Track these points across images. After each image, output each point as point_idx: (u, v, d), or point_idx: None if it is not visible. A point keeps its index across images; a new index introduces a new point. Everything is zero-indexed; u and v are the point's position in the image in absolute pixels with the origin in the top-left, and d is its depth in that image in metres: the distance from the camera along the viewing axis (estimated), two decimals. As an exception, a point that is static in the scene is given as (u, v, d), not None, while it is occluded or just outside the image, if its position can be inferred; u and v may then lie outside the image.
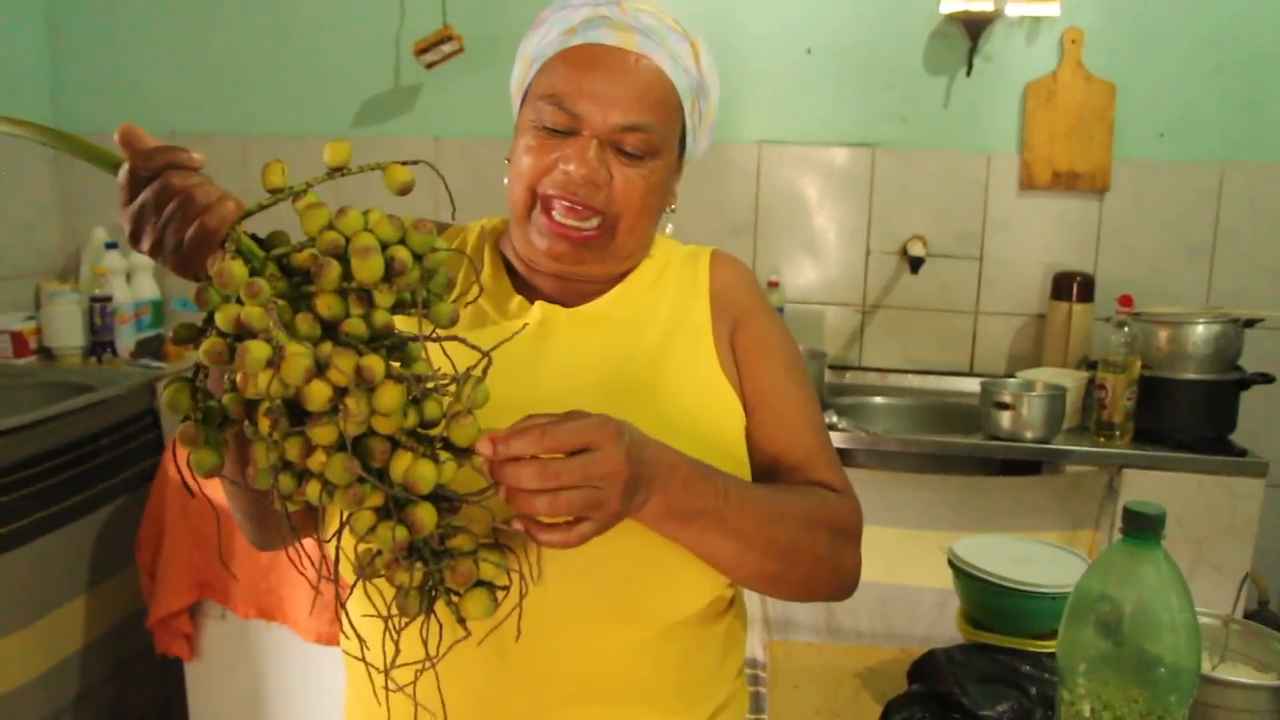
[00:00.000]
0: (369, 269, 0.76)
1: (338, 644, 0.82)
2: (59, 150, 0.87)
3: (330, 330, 0.77)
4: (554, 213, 1.03)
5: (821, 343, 2.93)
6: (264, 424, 0.76)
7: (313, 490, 0.77)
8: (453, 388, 0.79)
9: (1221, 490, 2.28)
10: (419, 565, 0.80)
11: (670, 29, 1.07)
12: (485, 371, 0.80)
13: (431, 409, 0.78)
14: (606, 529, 0.84)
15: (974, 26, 2.78)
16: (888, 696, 1.32)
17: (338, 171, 0.83)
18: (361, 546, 0.81)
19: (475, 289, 1.11)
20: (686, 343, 1.09)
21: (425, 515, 0.77)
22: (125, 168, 0.81)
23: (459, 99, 2.99)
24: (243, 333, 0.74)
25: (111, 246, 3.03)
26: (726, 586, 1.10)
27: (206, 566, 2.35)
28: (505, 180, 1.10)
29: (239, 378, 0.76)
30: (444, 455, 0.78)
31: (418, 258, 0.79)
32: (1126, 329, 2.39)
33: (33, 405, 2.49)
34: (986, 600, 1.37)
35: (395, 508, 0.78)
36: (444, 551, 0.81)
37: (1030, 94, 2.81)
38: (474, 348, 0.81)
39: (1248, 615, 2.16)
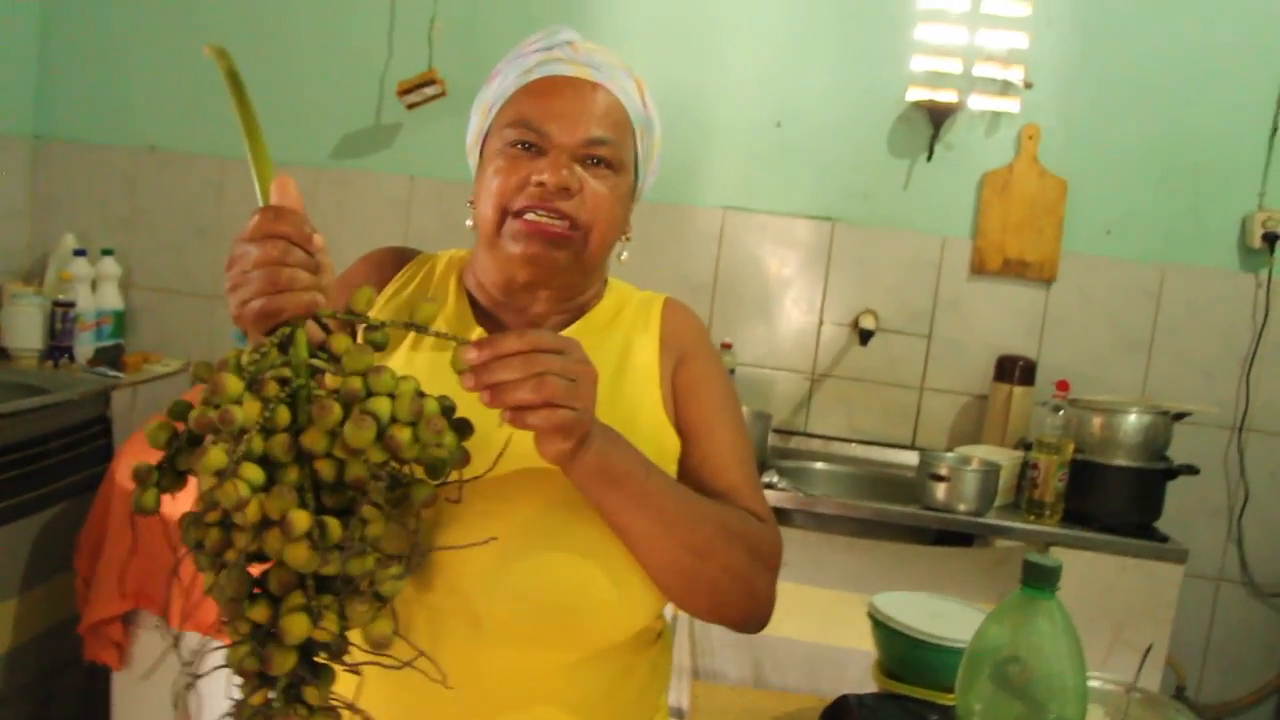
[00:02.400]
0: (358, 436, 0.80)
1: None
2: (248, 141, 0.91)
3: (304, 458, 0.81)
4: (527, 215, 1.09)
5: (770, 407, 3.00)
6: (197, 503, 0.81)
7: (209, 578, 0.83)
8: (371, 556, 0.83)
9: (1143, 574, 2.37)
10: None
11: (618, 67, 1.16)
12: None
13: (354, 566, 0.82)
14: (583, 428, 0.90)
15: (937, 115, 2.90)
16: (801, 738, 1.36)
17: (364, 321, 0.89)
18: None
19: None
20: (635, 379, 1.16)
21: (282, 660, 0.81)
22: (254, 214, 0.85)
23: (436, 141, 3.07)
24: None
25: (80, 254, 3.05)
26: (655, 618, 1.14)
27: (144, 576, 2.35)
28: (469, 222, 1.17)
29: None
30: (329, 616, 0.81)
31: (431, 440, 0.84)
32: (1062, 413, 2.49)
33: (-14, 403, 2.50)
34: (901, 652, 1.42)
35: (260, 642, 0.82)
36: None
37: (986, 183, 2.92)
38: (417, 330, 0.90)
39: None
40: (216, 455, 0.77)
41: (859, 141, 2.98)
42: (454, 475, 0.90)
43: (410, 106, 2.98)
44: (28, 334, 2.96)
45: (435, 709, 1.03)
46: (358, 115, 3.11)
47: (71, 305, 2.96)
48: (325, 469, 0.81)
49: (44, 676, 2.58)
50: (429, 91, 2.94)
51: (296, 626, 0.80)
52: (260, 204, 0.87)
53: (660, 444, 1.12)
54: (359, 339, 0.87)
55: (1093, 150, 2.90)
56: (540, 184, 1.08)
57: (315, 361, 0.84)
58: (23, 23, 3.18)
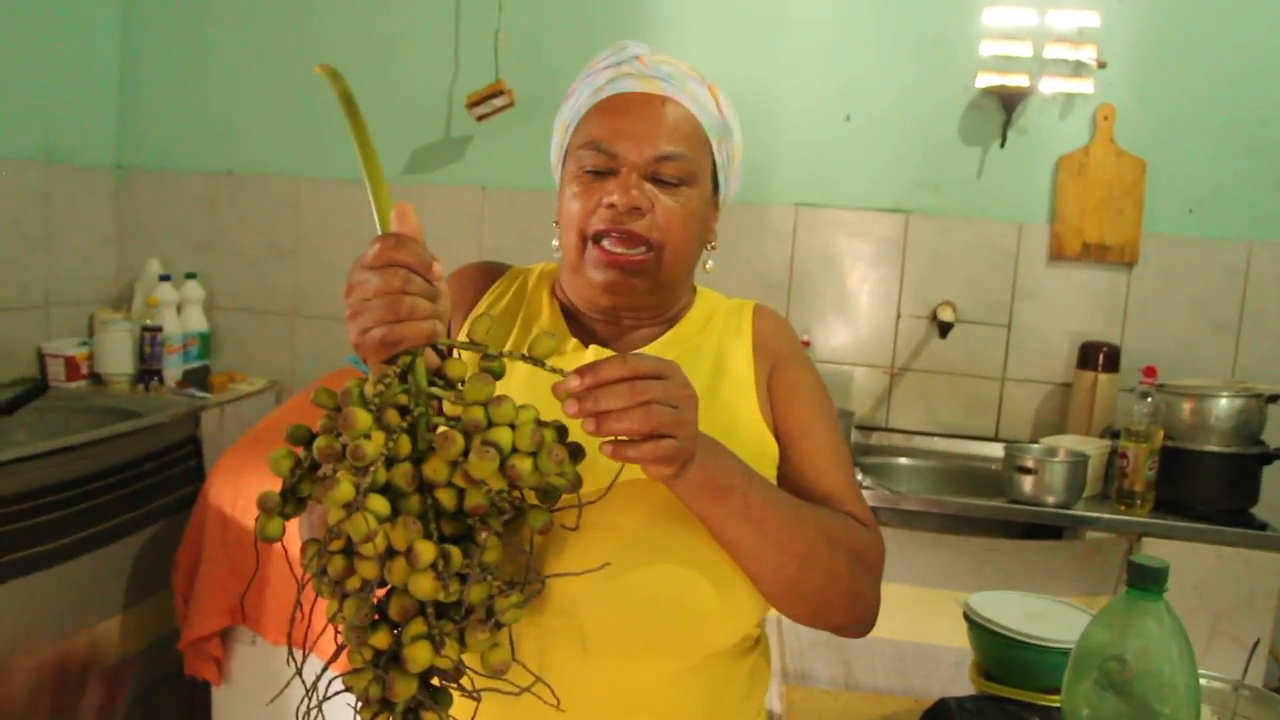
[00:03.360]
0: (481, 467, 0.81)
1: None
2: (364, 165, 0.90)
3: (425, 486, 0.83)
4: (604, 243, 1.11)
5: (850, 403, 2.98)
6: (321, 530, 0.83)
7: (332, 606, 0.85)
8: (497, 584, 0.85)
9: (1241, 562, 2.31)
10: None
11: (689, 76, 1.16)
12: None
13: (474, 594, 0.83)
14: (687, 454, 0.90)
15: (1009, 100, 2.85)
16: (900, 742, 1.35)
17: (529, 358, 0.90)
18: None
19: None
20: (731, 386, 1.16)
21: (405, 687, 0.83)
22: (374, 242, 0.86)
23: (507, 151, 3.09)
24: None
25: (165, 279, 3.14)
26: (755, 626, 1.15)
27: (240, 592, 2.41)
28: (555, 241, 1.19)
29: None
30: (450, 644, 0.83)
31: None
32: (1150, 399, 2.43)
33: (81, 428, 2.58)
34: (999, 653, 1.41)
35: (383, 668, 0.84)
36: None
37: (1062, 167, 2.87)
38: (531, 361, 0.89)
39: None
40: (345, 488, 0.79)
41: (930, 131, 2.94)
42: (565, 498, 0.90)
43: (480, 118, 3.01)
44: (119, 359, 3.05)
45: (540, 717, 1.04)
46: (428, 129, 3.15)
47: (159, 329, 3.04)
48: (446, 498, 0.83)
49: (149, 691, 2.66)
50: (497, 103, 2.97)
51: (420, 654, 0.81)
52: (379, 230, 0.87)
53: (760, 449, 1.12)
54: (477, 368, 0.88)
55: (1171, 128, 2.83)
56: (611, 205, 1.09)
57: (434, 390, 0.85)
58: (102, 59, 3.27)
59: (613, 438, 0.86)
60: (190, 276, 3.21)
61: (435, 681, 0.87)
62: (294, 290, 3.28)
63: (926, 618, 2.32)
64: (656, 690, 1.06)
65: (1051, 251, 2.90)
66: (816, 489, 1.13)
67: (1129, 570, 1.00)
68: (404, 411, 0.84)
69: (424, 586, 0.80)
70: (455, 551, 0.82)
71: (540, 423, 0.85)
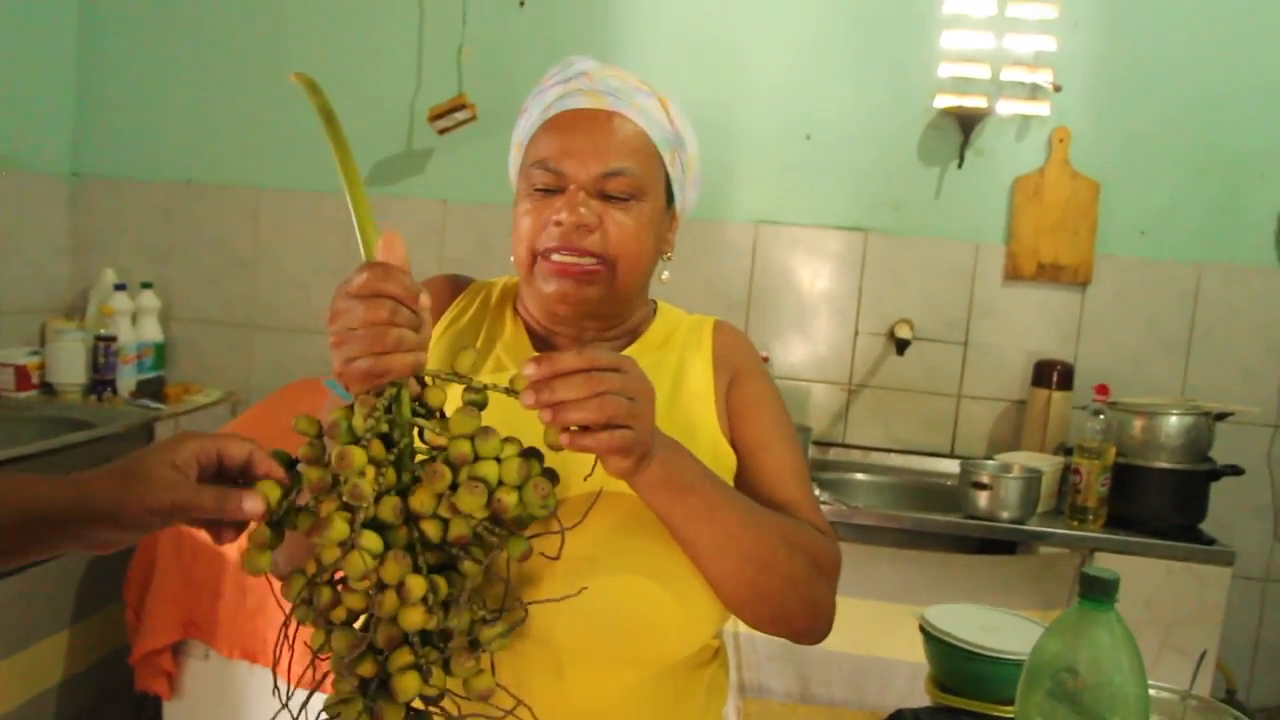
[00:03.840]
0: (469, 501, 0.82)
1: (322, 689, 0.87)
2: (347, 187, 0.91)
3: (411, 518, 0.83)
4: (554, 256, 1.12)
5: (807, 419, 3.00)
6: (311, 566, 0.83)
7: (317, 636, 0.84)
8: (481, 613, 0.86)
9: (1190, 577, 2.34)
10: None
11: (637, 89, 1.17)
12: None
13: (459, 622, 0.84)
14: (644, 446, 0.90)
15: (967, 121, 2.90)
16: (856, 754, 1.36)
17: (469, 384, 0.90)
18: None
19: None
20: (690, 399, 1.17)
21: (393, 715, 0.83)
22: (361, 270, 0.85)
23: (468, 165, 3.09)
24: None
25: (120, 288, 3.10)
26: (714, 636, 1.15)
27: (193, 605, 2.38)
28: (511, 258, 1.19)
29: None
30: (436, 672, 0.84)
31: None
32: (1102, 417, 2.47)
33: (32, 439, 2.54)
34: (955, 665, 1.42)
35: (370, 697, 0.84)
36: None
37: (1018, 188, 2.92)
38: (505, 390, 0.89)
39: (1212, 702, 2.20)
40: (340, 527, 0.79)
41: (889, 151, 2.98)
42: (538, 523, 0.91)
43: (441, 132, 3.01)
44: (71, 369, 3.00)
45: None
46: (389, 142, 3.14)
47: (113, 339, 3.00)
48: (431, 530, 0.83)
49: (97, 706, 2.62)
50: (459, 116, 2.96)
51: (409, 684, 0.82)
52: (364, 255, 0.87)
53: (718, 461, 1.13)
54: (460, 400, 0.88)
55: (1125, 151, 2.89)
56: (559, 223, 1.10)
57: (419, 420, 0.85)
58: (58, 66, 3.23)
59: (570, 428, 0.86)
60: (146, 286, 3.17)
61: (419, 705, 0.87)
62: (252, 301, 3.26)
63: (882, 632, 2.33)
64: (620, 701, 1.06)
65: (1007, 271, 2.94)
66: (774, 499, 1.14)
67: (1081, 582, 1.02)
68: (388, 442, 0.84)
69: (413, 619, 0.80)
70: (442, 583, 0.82)
71: (525, 453, 0.85)
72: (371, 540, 0.80)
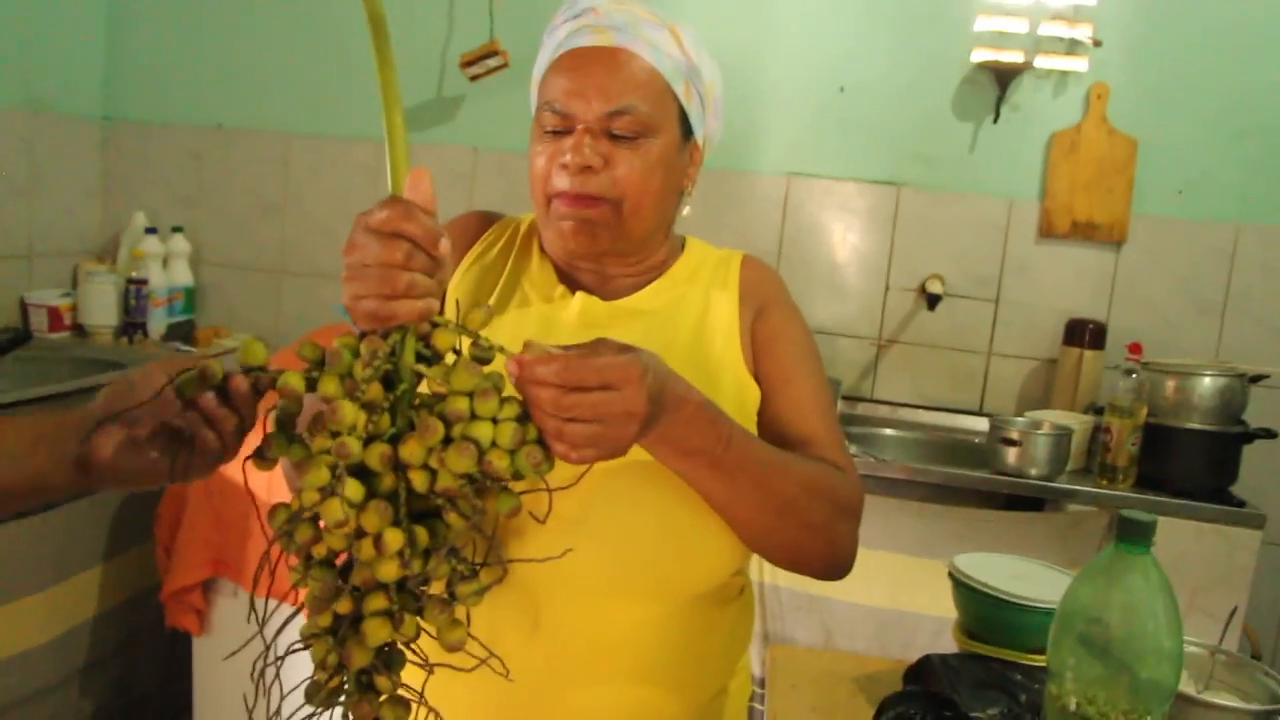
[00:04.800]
0: (459, 461, 0.80)
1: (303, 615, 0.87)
2: (385, 108, 0.88)
3: (399, 467, 0.81)
4: (563, 199, 1.11)
5: (836, 373, 2.99)
6: (294, 501, 0.83)
7: (297, 570, 0.85)
8: (463, 567, 0.85)
9: (1219, 539, 2.33)
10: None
11: (645, 21, 1.14)
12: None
13: (437, 574, 0.83)
14: (611, 458, 0.86)
15: (1003, 76, 2.85)
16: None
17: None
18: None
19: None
20: (715, 335, 1.17)
21: (360, 656, 0.83)
22: (384, 206, 0.82)
23: (500, 112, 3.07)
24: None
25: (151, 231, 3.11)
26: (736, 573, 1.16)
27: (222, 544, 2.40)
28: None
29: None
30: (408, 620, 0.83)
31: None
32: (1135, 376, 2.45)
33: (64, 379, 2.56)
34: (983, 612, 1.42)
35: (340, 637, 0.84)
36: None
37: (1054, 144, 2.88)
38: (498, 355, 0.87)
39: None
40: (320, 473, 0.78)
41: (923, 105, 2.94)
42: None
43: (473, 78, 2.99)
44: (103, 311, 3.02)
45: (530, 667, 1.05)
46: (421, 88, 3.13)
47: (144, 282, 3.02)
48: (418, 480, 0.81)
49: (129, 641, 2.66)
50: (491, 63, 2.95)
51: (378, 631, 0.82)
52: (390, 187, 0.84)
53: (742, 398, 1.13)
54: (465, 353, 0.86)
55: (1164, 108, 2.84)
56: (566, 166, 1.10)
57: (420, 367, 0.83)
58: (90, 8, 3.23)
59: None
60: (177, 230, 3.19)
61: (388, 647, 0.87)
62: (281, 246, 3.26)
63: (907, 585, 2.33)
64: (636, 633, 1.07)
65: (1041, 228, 2.91)
66: (793, 432, 1.13)
67: (1118, 525, 1.01)
68: (388, 384, 0.82)
69: (389, 571, 0.80)
70: (422, 533, 0.81)
71: (522, 418, 0.83)
72: (353, 489, 0.79)
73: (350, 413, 0.79)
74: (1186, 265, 2.86)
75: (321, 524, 0.81)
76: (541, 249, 1.23)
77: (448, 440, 0.81)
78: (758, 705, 2.34)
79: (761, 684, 2.31)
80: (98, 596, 2.55)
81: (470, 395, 0.82)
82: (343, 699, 0.85)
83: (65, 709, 2.48)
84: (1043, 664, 1.35)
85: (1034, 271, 2.93)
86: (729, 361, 1.16)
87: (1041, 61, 2.84)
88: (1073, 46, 2.83)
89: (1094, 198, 2.87)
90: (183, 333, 3.05)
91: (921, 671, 1.37)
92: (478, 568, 0.85)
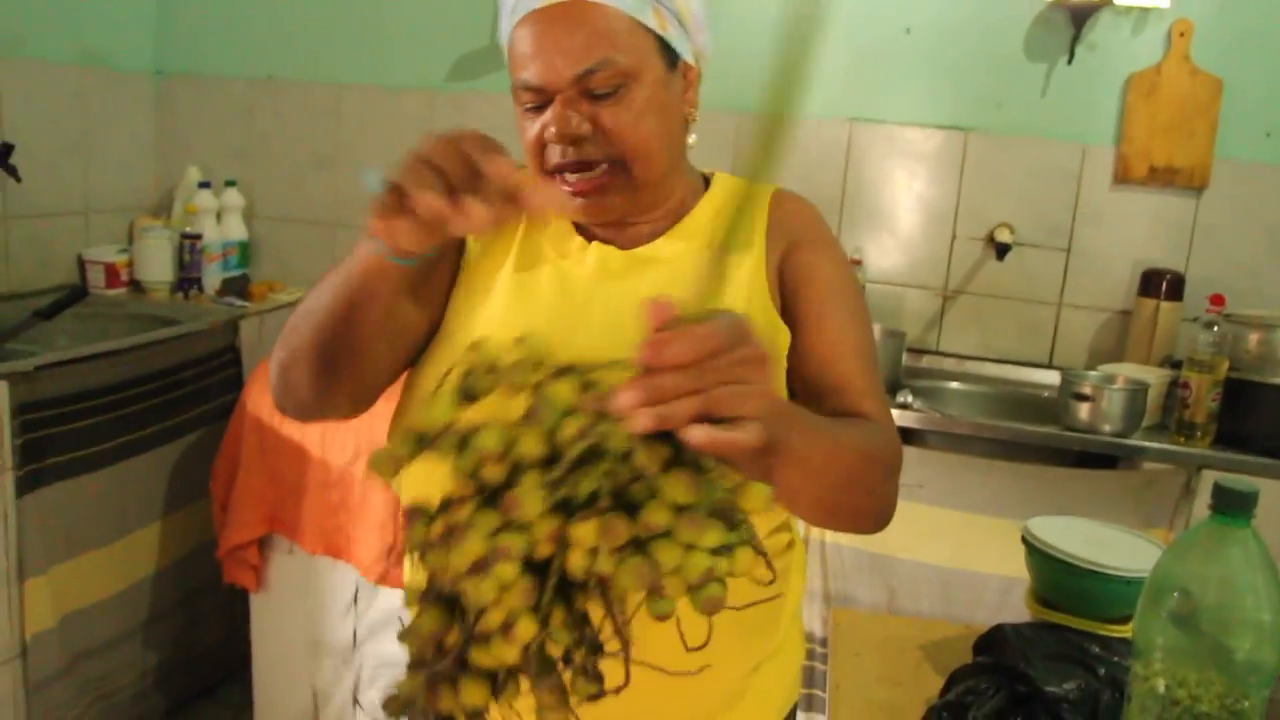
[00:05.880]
0: (631, 575, 0.69)
1: (401, 586, 0.81)
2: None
3: (563, 544, 0.71)
4: (564, 175, 1.05)
5: (901, 324, 2.90)
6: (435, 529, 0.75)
7: (411, 592, 0.77)
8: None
9: (1306, 499, 2.22)
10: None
11: None
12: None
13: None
14: (763, 441, 0.74)
15: (1079, 14, 2.72)
16: (951, 668, 1.30)
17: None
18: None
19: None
20: (739, 276, 1.09)
21: (446, 701, 0.74)
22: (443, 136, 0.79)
23: (552, 59, 2.99)
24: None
25: (204, 186, 3.10)
26: (779, 529, 1.11)
27: (277, 501, 2.40)
28: None
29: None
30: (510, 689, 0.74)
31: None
32: (1216, 329, 2.34)
33: (121, 334, 2.57)
34: (1059, 580, 1.35)
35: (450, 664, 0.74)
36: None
37: (1132, 86, 2.74)
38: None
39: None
40: (475, 546, 0.70)
41: (993, 46, 2.81)
42: None
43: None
44: (158, 267, 3.02)
45: None
46: (472, 36, 3.06)
47: (198, 237, 3.01)
48: (576, 558, 0.70)
49: (188, 597, 2.68)
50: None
51: (473, 692, 0.73)
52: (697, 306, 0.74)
53: (771, 341, 1.06)
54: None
55: (1251, 46, 2.68)
56: (553, 141, 1.04)
57: (640, 457, 0.71)
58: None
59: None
60: (230, 184, 3.17)
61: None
62: (334, 199, 3.23)
63: (974, 544, 2.26)
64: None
65: (1117, 174, 2.78)
66: (823, 378, 1.06)
67: (1214, 495, 0.94)
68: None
69: (508, 654, 0.71)
70: (558, 615, 0.72)
71: (720, 550, 0.70)
72: (506, 572, 0.69)
73: (533, 507, 0.69)
74: (1274, 212, 2.72)
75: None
76: None
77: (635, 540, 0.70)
78: (819, 665, 2.30)
79: (824, 643, 2.27)
80: (158, 552, 2.57)
81: (680, 510, 0.69)
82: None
83: (130, 662, 2.51)
84: (1122, 635, 1.29)
85: (1108, 220, 2.81)
86: (754, 302, 1.08)
87: (1120, -3, 2.69)
88: (1154, -19, 2.68)
89: (1174, 142, 2.73)
90: (237, 287, 3.04)
91: (992, 641, 1.30)
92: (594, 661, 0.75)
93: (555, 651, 0.73)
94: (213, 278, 3.04)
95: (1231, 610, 0.93)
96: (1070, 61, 2.77)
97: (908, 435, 2.33)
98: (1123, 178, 2.78)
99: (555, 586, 0.71)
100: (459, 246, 1.15)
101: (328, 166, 3.22)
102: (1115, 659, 1.22)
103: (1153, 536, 1.49)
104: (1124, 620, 1.27)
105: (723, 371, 0.69)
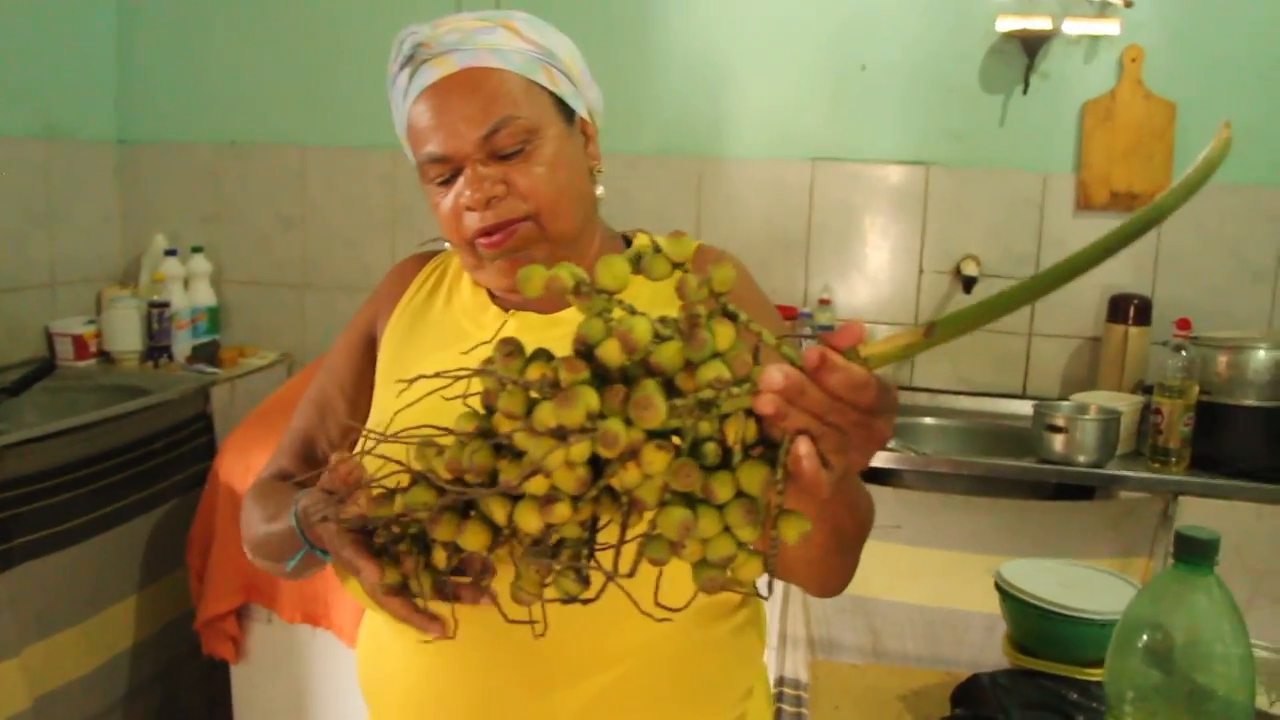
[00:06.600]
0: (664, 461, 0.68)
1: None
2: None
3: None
4: (482, 240, 1.06)
5: (871, 361, 2.90)
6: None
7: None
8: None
9: (1281, 520, 2.23)
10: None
11: (476, 30, 1.07)
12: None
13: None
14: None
15: (1031, 44, 2.75)
16: (931, 720, 1.29)
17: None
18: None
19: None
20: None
21: (445, 532, 0.75)
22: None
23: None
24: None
25: (171, 253, 3.09)
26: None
27: (253, 571, 2.36)
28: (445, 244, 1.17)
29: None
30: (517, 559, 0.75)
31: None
32: (1184, 353, 2.35)
33: (91, 407, 2.55)
34: (1034, 625, 1.35)
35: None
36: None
37: (1088, 113, 2.77)
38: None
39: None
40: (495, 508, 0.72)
41: (949, 79, 2.84)
42: None
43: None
44: (127, 336, 3.00)
45: (522, 660, 1.02)
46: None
47: (166, 305, 2.99)
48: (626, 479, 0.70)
49: (167, 670, 2.64)
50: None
51: (476, 536, 0.74)
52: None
53: None
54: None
55: (1202, 68, 2.72)
56: (470, 207, 1.05)
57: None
58: (99, 32, 3.21)
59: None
60: (197, 250, 3.16)
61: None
62: (302, 261, 3.23)
63: (956, 583, 2.26)
64: (629, 657, 1.03)
65: (1078, 201, 2.81)
66: None
67: (1176, 543, 0.94)
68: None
69: (568, 481, 0.69)
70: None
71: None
72: (578, 453, 0.68)
73: (656, 417, 0.67)
74: (1234, 232, 2.75)
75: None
76: (473, 280, 1.19)
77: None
78: (793, 709, 2.29)
79: (808, 689, 2.25)
80: (135, 626, 2.54)
81: (738, 494, 0.69)
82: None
83: (108, 741, 2.46)
84: (1099, 679, 1.28)
85: (1072, 247, 2.74)
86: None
87: (1070, 26, 2.73)
88: (1103, 9, 2.72)
89: (1133, 167, 2.76)
90: (208, 354, 3.02)
91: (970, 692, 1.30)
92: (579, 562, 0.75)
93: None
94: (182, 345, 3.02)
95: (1201, 655, 0.93)
96: (1025, 91, 2.80)
97: (884, 476, 2.33)
98: (1084, 204, 2.80)
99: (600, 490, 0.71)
100: (374, 345, 1.19)
101: (294, 228, 3.21)
102: (1093, 704, 1.22)
103: (1129, 572, 1.49)
104: (1100, 663, 1.26)
105: (855, 422, 0.67)
